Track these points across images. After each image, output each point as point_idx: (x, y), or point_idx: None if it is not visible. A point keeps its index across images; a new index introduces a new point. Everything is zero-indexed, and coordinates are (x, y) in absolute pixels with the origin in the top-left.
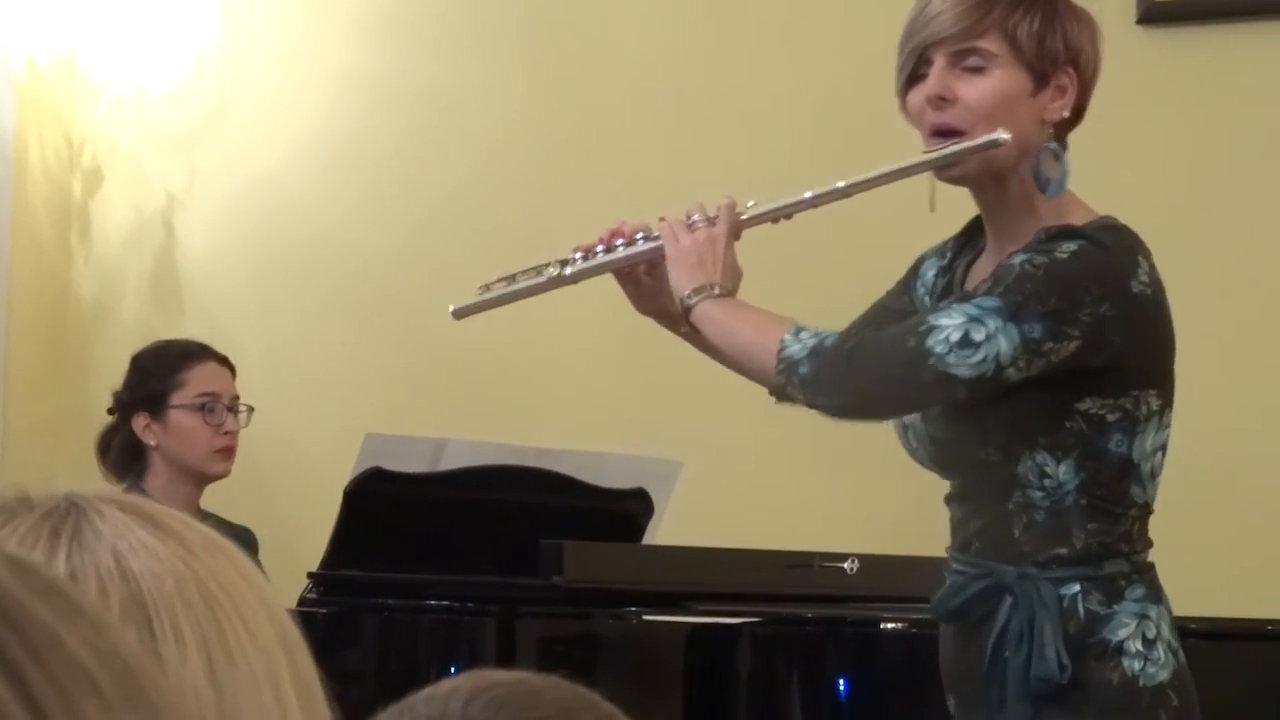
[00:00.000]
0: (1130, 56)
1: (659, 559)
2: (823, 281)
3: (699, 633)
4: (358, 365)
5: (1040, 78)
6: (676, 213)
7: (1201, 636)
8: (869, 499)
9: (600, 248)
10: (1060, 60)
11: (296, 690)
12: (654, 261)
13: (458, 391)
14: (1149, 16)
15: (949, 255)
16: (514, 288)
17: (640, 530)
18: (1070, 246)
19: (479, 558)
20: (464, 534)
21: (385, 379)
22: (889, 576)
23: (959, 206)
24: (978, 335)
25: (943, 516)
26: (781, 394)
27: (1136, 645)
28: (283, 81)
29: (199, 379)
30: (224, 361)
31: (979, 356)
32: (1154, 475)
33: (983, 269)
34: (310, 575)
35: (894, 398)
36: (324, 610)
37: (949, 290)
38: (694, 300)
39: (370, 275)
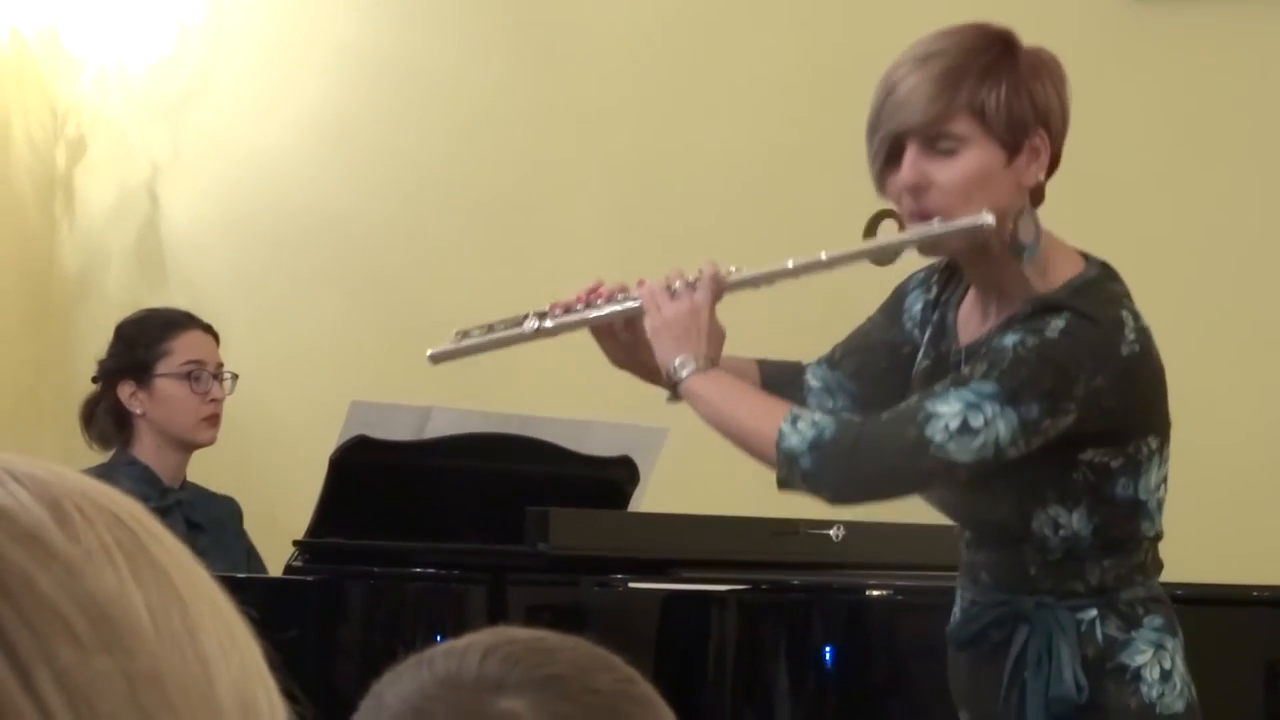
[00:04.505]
0: (1124, 31)
1: (644, 526)
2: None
3: (684, 600)
4: (342, 334)
5: (1013, 147)
6: (665, 193)
7: (1187, 603)
8: None
9: (580, 304)
10: (1030, 125)
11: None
12: (632, 318)
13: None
14: None
15: (935, 289)
16: (492, 336)
17: (626, 497)
18: (1059, 324)
19: (465, 525)
20: (450, 502)
21: (370, 347)
22: (874, 544)
23: None
24: (976, 422)
25: None
26: (782, 484)
27: (1154, 674)
28: (267, 53)
29: (184, 347)
30: (208, 329)
31: (979, 442)
32: (1160, 507)
33: (971, 312)
34: (296, 543)
35: (897, 487)
36: (310, 578)
37: (941, 329)
38: (682, 375)
39: (354, 244)
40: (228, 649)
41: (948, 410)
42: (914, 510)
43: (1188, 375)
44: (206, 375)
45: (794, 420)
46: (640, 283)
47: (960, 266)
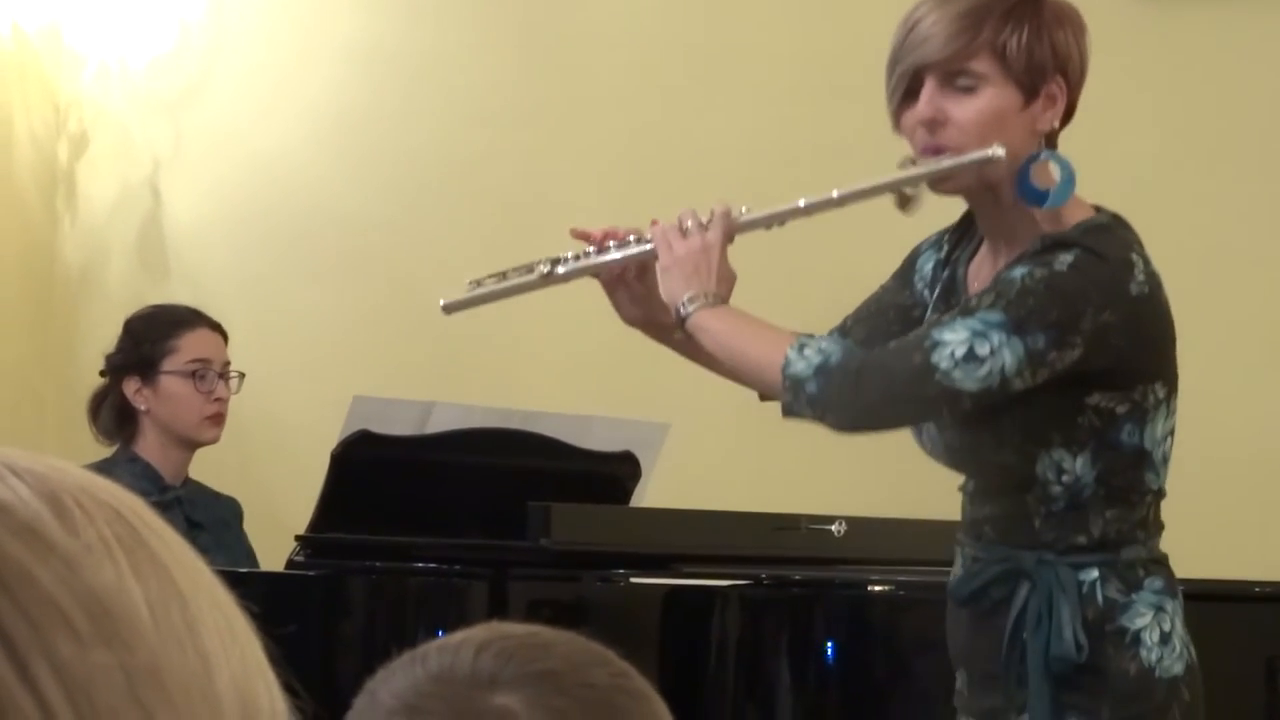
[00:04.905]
0: (1132, 31)
1: (646, 521)
2: (811, 273)
3: (686, 595)
4: (344, 329)
5: (1030, 91)
6: (670, 189)
7: (1188, 598)
8: (857, 461)
9: (592, 249)
10: (1049, 71)
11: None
12: (644, 267)
13: (445, 355)
14: None
15: (946, 248)
16: (504, 285)
17: (628, 493)
18: (1068, 258)
19: (467, 520)
20: (451, 497)
21: (373, 342)
22: (877, 539)
23: (950, 202)
24: (982, 350)
25: (930, 479)
26: (787, 410)
27: (1153, 637)
28: (269, 48)
29: (191, 345)
30: (216, 328)
31: (984, 370)
32: (1165, 460)
33: (982, 265)
34: (298, 538)
35: (901, 413)
36: (312, 573)
37: (951, 285)
38: (689, 309)
39: (356, 239)
40: (228, 644)
41: (954, 338)
42: (917, 506)
43: (1191, 371)
44: (212, 374)
45: (801, 347)
46: (654, 223)
47: (972, 212)
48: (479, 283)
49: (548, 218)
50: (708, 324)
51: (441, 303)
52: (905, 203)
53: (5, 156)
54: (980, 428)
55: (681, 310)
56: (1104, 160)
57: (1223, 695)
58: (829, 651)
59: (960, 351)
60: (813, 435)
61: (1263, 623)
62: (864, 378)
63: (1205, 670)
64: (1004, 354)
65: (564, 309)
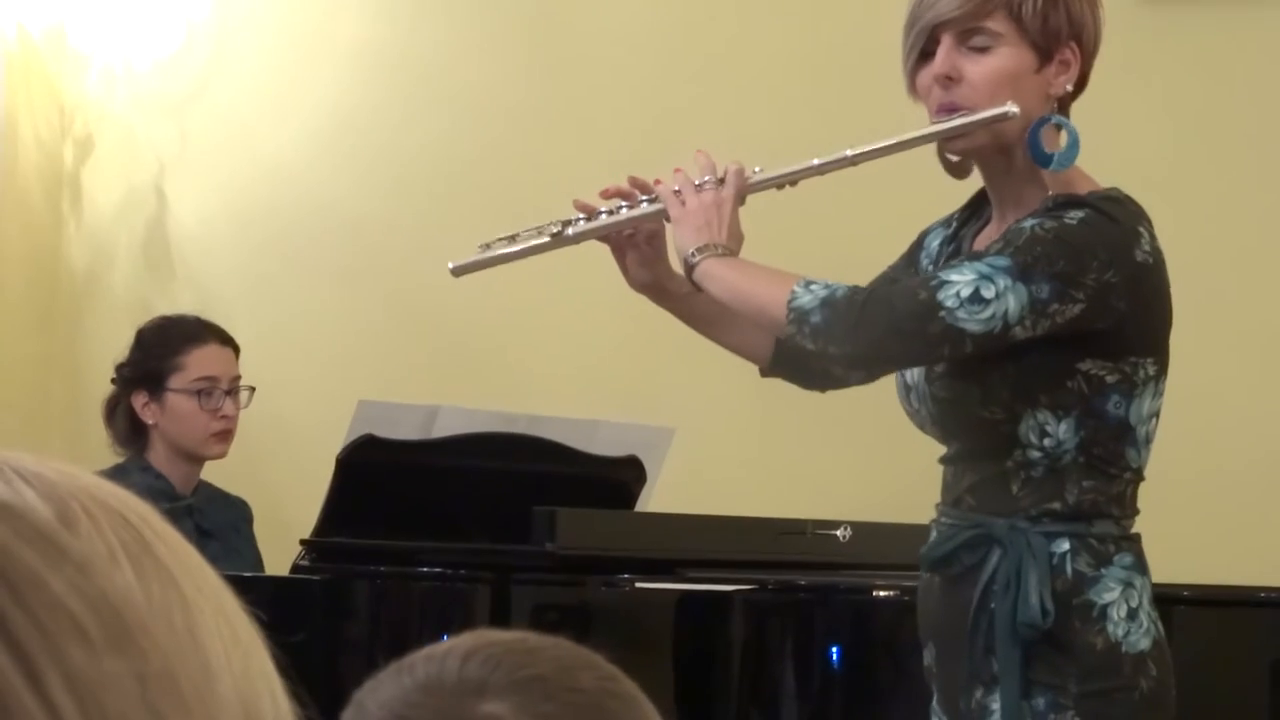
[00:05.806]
0: (1135, 32)
1: (652, 526)
2: (820, 255)
3: (692, 600)
4: (350, 332)
5: (1044, 54)
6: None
7: (1193, 604)
8: (862, 466)
9: (603, 209)
10: (1064, 36)
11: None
12: (653, 232)
13: (450, 359)
14: None
15: (955, 225)
16: (515, 247)
17: (633, 497)
18: (1078, 214)
19: (472, 525)
20: (457, 501)
21: (378, 346)
22: (881, 544)
23: (963, 185)
24: (988, 292)
25: (935, 484)
26: (790, 343)
27: (1120, 612)
28: (275, 50)
29: (198, 363)
30: (226, 341)
31: (988, 313)
32: (1148, 440)
33: (989, 238)
34: (303, 542)
35: (903, 349)
36: (317, 577)
37: (956, 254)
38: (698, 258)
39: (362, 242)
40: (230, 650)
41: (960, 279)
42: (921, 511)
43: (1195, 374)
44: (219, 392)
45: (808, 283)
46: (657, 182)
47: (981, 194)
48: (488, 245)
49: (558, 213)
50: (715, 271)
51: (450, 265)
52: (957, 169)
53: (10, 159)
54: (970, 380)
55: (690, 260)
56: (1105, 159)
57: (1228, 700)
58: (834, 656)
59: (966, 292)
60: (818, 440)
61: (1268, 628)
62: (869, 310)
63: (1212, 676)
64: (1008, 298)
65: (569, 312)
